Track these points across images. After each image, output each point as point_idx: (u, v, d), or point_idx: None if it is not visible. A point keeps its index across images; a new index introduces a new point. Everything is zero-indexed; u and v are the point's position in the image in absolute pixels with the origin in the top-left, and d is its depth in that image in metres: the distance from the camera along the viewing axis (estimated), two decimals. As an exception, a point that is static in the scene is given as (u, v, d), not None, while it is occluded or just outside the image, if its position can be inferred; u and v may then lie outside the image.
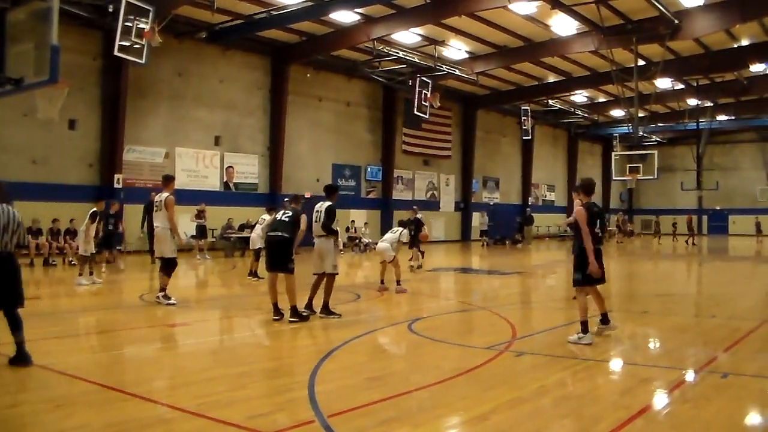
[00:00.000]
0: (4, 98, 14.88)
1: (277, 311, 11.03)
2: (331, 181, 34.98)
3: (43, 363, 7.65)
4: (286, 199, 15.51)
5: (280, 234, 11.09)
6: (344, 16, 27.86)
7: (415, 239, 20.67)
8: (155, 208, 13.22)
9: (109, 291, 15.66)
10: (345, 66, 34.31)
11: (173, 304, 12.64)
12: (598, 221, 9.26)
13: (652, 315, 12.57)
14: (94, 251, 17.07)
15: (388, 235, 16.19)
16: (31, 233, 21.54)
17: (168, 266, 12.92)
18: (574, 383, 7.35)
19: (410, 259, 21.32)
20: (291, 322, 10.78)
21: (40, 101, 15.72)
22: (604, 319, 9.55)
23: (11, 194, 8.17)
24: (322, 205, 11.68)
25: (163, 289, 12.83)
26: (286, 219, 11.18)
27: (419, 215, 22.07)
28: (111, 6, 22.13)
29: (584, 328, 9.05)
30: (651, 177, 38.34)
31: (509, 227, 42.03)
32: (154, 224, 13.26)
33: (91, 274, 16.82)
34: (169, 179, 13.64)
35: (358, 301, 13.91)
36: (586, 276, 9.20)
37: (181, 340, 10.35)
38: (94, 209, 17.01)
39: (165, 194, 13.05)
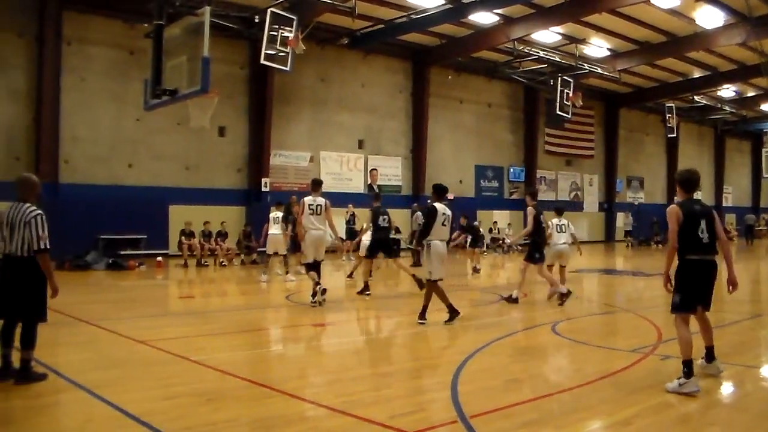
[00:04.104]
0: (160, 108, 15.76)
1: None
2: (474, 183, 35.07)
3: (197, 358, 8.04)
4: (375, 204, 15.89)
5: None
6: (483, 18, 27.71)
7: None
8: (310, 211, 12.85)
9: (257, 291, 16.20)
10: (485, 67, 34.15)
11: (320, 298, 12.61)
12: (702, 223, 6.89)
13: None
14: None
15: (563, 235, 14.19)
16: (184, 235, 22.66)
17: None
18: (722, 390, 7.05)
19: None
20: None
21: (192, 110, 16.53)
22: (709, 355, 7.24)
23: (36, 192, 7.23)
24: (448, 210, 11.07)
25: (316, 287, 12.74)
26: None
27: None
28: (257, 17, 22.95)
29: (687, 370, 6.64)
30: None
31: (660, 227, 40.42)
32: (311, 226, 12.85)
33: (287, 273, 18.06)
34: (319, 183, 13.48)
35: (501, 303, 13.80)
36: (685, 298, 6.95)
37: (326, 339, 10.59)
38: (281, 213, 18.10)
39: (320, 198, 12.96)
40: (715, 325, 10.72)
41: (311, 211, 12.87)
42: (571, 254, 14.47)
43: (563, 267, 14.39)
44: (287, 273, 18.19)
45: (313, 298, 12.68)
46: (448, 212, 10.93)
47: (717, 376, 7.06)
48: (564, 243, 14.14)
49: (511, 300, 13.28)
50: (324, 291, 12.70)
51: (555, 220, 14.32)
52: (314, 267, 12.93)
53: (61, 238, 18.77)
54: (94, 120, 23.50)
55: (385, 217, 15.57)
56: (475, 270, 20.69)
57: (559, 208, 15.00)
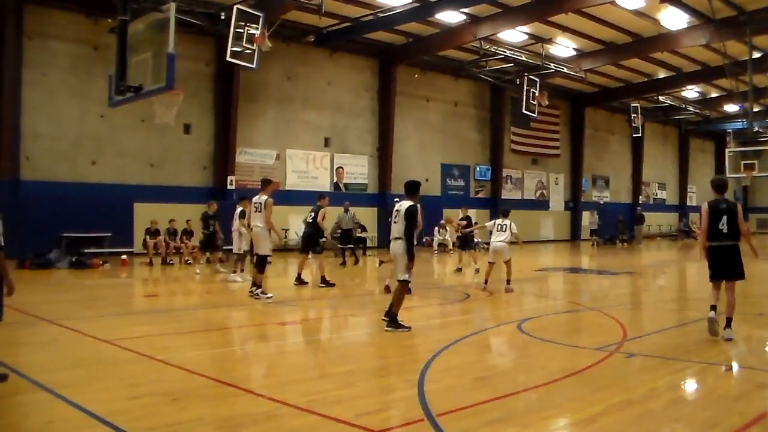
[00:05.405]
0: (124, 105, 15.59)
1: None
2: (440, 181, 35.17)
3: (162, 357, 7.97)
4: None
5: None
6: (450, 17, 27.83)
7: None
8: (254, 209, 13.83)
9: (221, 290, 16.10)
10: (452, 66, 34.30)
11: (270, 297, 13.40)
12: (723, 218, 9.09)
13: (771, 317, 12.10)
14: (246, 249, 17.44)
15: (501, 234, 15.17)
16: (149, 233, 22.47)
17: (262, 263, 13.74)
18: (685, 386, 7.14)
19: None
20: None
21: (157, 107, 16.39)
22: (727, 322, 9.11)
23: None
24: (402, 205, 10.13)
25: (258, 285, 13.58)
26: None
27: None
28: (223, 14, 22.81)
29: (712, 310, 9.15)
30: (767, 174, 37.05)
31: (625, 226, 40.81)
32: (253, 224, 13.89)
33: (242, 271, 17.56)
34: (267, 182, 14.34)
35: (468, 301, 13.86)
36: (711, 272, 9.35)
37: (291, 337, 10.57)
38: (242, 209, 17.22)
39: (264, 196, 13.66)
40: (679, 323, 10.99)
41: (255, 209, 13.83)
42: (508, 251, 15.26)
43: (506, 262, 15.23)
44: (234, 272, 17.52)
45: (261, 290, 13.60)
46: (401, 207, 10.10)
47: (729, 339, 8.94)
48: (501, 241, 15.22)
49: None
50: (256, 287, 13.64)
51: (499, 221, 15.50)
52: (261, 261, 13.74)
53: (22, 236, 18.64)
54: (57, 116, 23.20)
55: (312, 214, 16.47)
56: (476, 271, 20.03)
57: (506, 209, 16.20)
